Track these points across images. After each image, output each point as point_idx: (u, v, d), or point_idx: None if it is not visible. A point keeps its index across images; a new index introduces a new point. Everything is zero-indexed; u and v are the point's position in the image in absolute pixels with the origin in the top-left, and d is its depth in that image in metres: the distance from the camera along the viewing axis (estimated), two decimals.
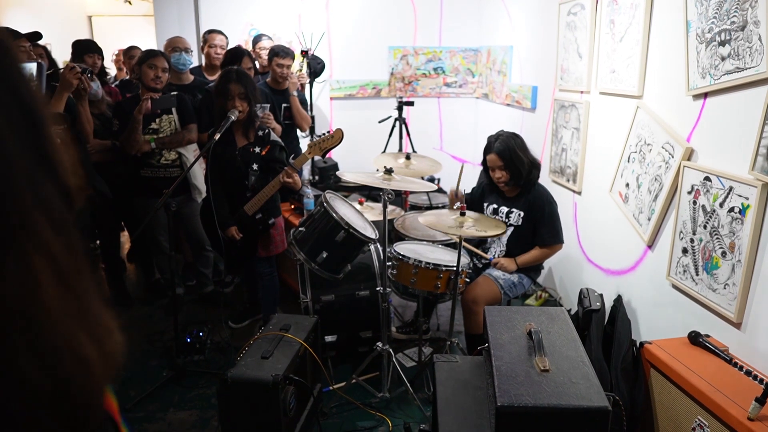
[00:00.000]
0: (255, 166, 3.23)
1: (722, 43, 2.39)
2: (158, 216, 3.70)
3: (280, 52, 4.28)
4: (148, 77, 3.66)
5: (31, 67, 1.80)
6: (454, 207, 3.13)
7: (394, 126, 5.04)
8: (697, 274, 2.56)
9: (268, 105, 3.97)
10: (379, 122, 5.13)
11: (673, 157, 2.76)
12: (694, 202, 2.58)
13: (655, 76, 2.95)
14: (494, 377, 1.77)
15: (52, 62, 4.53)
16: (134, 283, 4.66)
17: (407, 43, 5.85)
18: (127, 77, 5.12)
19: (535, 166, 3.24)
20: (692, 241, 2.59)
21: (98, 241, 4.30)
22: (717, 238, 2.42)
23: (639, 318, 3.04)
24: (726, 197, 2.37)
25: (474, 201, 3.43)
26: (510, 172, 3.18)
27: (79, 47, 4.34)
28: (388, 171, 2.83)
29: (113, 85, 4.90)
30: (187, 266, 4.55)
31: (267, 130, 3.32)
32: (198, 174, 3.90)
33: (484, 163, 3.32)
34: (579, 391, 1.69)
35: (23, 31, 3.37)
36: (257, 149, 3.24)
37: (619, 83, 3.27)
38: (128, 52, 4.99)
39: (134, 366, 3.41)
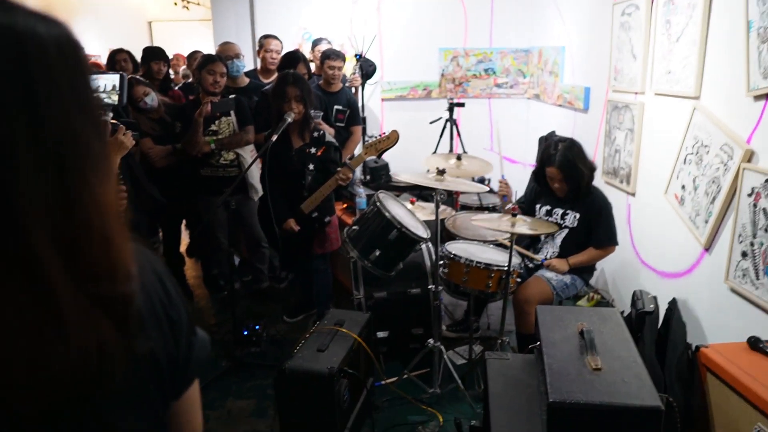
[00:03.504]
0: (311, 167, 3.33)
1: None
2: (217, 214, 3.87)
3: (332, 55, 4.41)
4: (207, 82, 3.82)
5: (114, 78, 1.95)
6: (506, 208, 3.15)
7: (444, 127, 5.08)
8: (758, 279, 2.50)
9: (321, 113, 4.08)
10: (430, 123, 5.18)
11: (732, 158, 2.71)
12: (755, 205, 2.53)
13: (713, 77, 2.90)
14: (546, 374, 1.80)
15: (135, 66, 4.79)
16: (193, 277, 4.87)
17: (458, 45, 5.88)
18: (190, 80, 5.34)
19: (592, 171, 3.21)
20: (752, 244, 2.54)
21: (160, 236, 4.51)
22: None
23: (695, 322, 2.99)
24: None
25: (527, 204, 3.44)
26: (569, 185, 3.18)
27: (147, 54, 4.54)
28: (441, 172, 2.88)
29: (176, 89, 5.11)
30: (242, 262, 4.72)
31: (322, 132, 3.43)
32: (255, 174, 4.04)
33: (539, 169, 3.31)
34: (631, 390, 1.70)
35: (89, 37, 3.54)
36: (313, 150, 3.35)
37: (675, 84, 3.22)
38: (192, 56, 5.20)
39: None
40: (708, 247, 2.92)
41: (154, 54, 4.57)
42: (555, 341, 1.99)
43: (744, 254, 2.60)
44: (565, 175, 3.15)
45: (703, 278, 2.96)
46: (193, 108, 3.83)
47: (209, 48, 6.23)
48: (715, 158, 2.85)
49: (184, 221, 4.93)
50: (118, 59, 4.68)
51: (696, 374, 2.38)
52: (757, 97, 2.54)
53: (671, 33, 3.26)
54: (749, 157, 2.60)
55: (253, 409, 3.04)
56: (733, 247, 2.67)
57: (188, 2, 8.75)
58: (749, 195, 2.56)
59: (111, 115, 2.01)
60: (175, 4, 8.57)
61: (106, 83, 1.99)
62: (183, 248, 5.34)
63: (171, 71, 6.42)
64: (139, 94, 3.95)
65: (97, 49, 7.39)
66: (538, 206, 3.38)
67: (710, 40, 2.92)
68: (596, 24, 4.35)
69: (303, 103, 3.28)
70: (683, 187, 3.15)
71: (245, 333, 3.57)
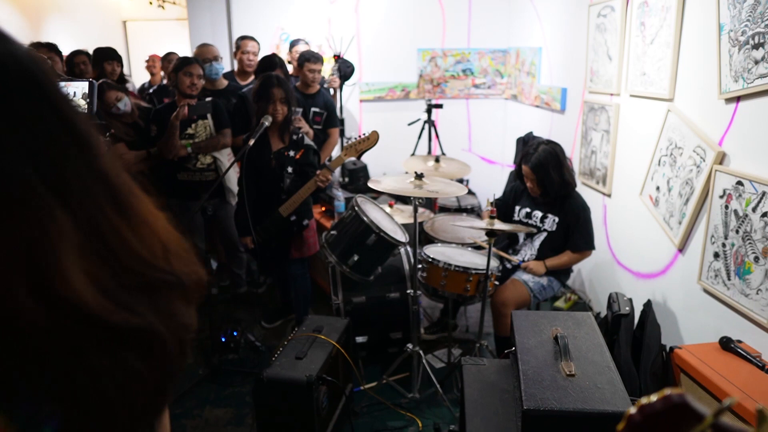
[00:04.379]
0: (290, 170, 3.31)
1: (756, 46, 2.37)
2: (194, 219, 3.82)
3: (311, 58, 4.37)
4: (184, 84, 3.77)
5: (84, 86, 1.91)
6: (484, 210, 3.16)
7: (423, 128, 5.08)
8: (729, 279, 2.54)
9: (301, 109, 4.05)
10: (409, 125, 5.18)
11: (704, 160, 2.74)
12: (726, 207, 2.56)
13: (687, 79, 2.93)
14: (521, 381, 1.81)
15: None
16: None
17: (436, 45, 5.88)
18: (164, 82, 5.26)
19: (567, 184, 3.21)
20: (724, 245, 2.58)
21: None
22: (749, 243, 2.41)
23: (670, 322, 3.02)
24: (759, 202, 2.35)
25: (506, 204, 3.45)
26: (540, 188, 3.22)
27: (99, 55, 4.44)
28: (419, 176, 2.87)
29: (150, 91, 5.03)
30: (220, 267, 4.67)
31: (301, 134, 3.40)
32: (232, 178, 4.00)
33: (518, 167, 3.34)
34: (604, 396, 1.72)
35: (62, 37, 3.45)
36: (291, 153, 3.32)
37: (649, 86, 3.26)
38: (166, 58, 5.12)
39: None
40: (682, 248, 2.95)
41: (105, 54, 4.46)
42: (530, 347, 2.00)
43: (716, 255, 2.63)
44: (536, 177, 3.18)
45: (677, 279, 2.99)
46: (170, 111, 3.78)
47: (186, 48, 6.15)
48: (689, 160, 2.88)
49: None
50: (76, 62, 4.55)
51: (670, 375, 2.41)
52: (729, 100, 2.58)
53: (646, 35, 3.29)
54: (721, 159, 2.63)
55: (231, 417, 3.01)
56: (706, 248, 2.71)
57: (164, 1, 8.62)
58: (721, 197, 2.60)
59: None
60: (150, 3, 8.44)
61: (76, 91, 1.95)
62: None
63: (148, 72, 6.35)
64: (112, 99, 3.88)
65: (69, 50, 7.26)
66: (517, 208, 3.40)
67: (683, 42, 2.95)
68: (573, 25, 4.38)
69: (287, 104, 3.26)
70: (658, 188, 3.19)
71: (223, 339, 3.53)
